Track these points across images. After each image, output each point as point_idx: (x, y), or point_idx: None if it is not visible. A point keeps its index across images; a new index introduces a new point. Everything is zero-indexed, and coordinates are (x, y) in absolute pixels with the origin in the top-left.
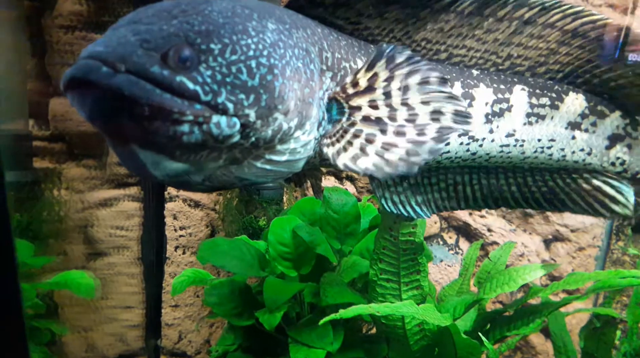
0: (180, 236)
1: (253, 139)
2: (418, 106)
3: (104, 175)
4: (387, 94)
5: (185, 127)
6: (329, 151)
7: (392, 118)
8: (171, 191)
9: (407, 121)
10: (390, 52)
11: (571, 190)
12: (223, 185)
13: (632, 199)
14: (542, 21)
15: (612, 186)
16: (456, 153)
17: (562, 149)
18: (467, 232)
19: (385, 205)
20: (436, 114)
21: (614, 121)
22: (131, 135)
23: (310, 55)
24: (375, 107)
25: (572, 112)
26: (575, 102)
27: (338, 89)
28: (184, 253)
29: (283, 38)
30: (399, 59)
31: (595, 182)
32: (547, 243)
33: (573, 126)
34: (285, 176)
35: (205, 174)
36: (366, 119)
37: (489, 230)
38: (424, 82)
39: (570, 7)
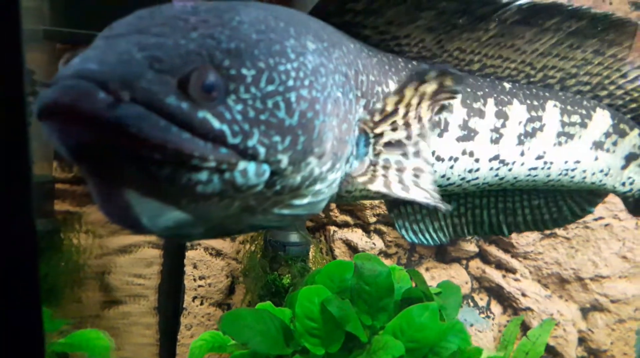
0: (199, 286)
1: (278, 187)
2: (426, 115)
3: None
4: (406, 112)
5: (204, 176)
6: (373, 187)
7: (408, 137)
8: None
9: (419, 135)
10: (423, 70)
11: (575, 203)
12: (228, 233)
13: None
14: (585, 32)
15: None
16: (484, 179)
17: (584, 171)
18: (499, 295)
19: (405, 235)
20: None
21: (632, 139)
22: (129, 181)
23: (350, 81)
24: (395, 129)
25: (598, 131)
26: (602, 119)
27: (367, 118)
28: (201, 303)
29: (324, 62)
30: (431, 74)
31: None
32: (585, 311)
33: (597, 145)
34: (302, 219)
35: (209, 225)
36: (388, 144)
37: (523, 295)
38: (437, 92)
39: (618, 18)
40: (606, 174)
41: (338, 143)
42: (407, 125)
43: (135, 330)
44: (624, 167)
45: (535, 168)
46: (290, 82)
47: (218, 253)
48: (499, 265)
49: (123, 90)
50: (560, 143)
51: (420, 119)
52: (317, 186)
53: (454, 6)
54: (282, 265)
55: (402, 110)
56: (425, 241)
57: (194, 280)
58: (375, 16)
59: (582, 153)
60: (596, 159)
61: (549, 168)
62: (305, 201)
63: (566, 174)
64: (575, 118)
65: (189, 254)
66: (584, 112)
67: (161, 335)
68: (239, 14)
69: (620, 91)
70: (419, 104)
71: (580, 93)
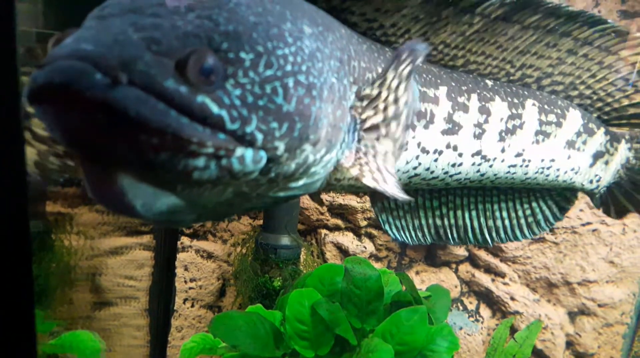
0: (190, 288)
1: (272, 174)
2: (402, 97)
3: (117, 221)
4: (387, 95)
5: (201, 162)
6: (365, 181)
7: (384, 119)
8: (184, 241)
9: (393, 117)
10: (401, 50)
11: (547, 206)
12: (220, 217)
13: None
14: (562, 30)
15: (570, 189)
16: (466, 174)
17: (558, 169)
18: (488, 298)
19: (389, 231)
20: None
21: (599, 138)
22: (125, 166)
23: (344, 66)
24: (376, 114)
25: (571, 130)
26: (574, 119)
27: (358, 104)
28: (192, 306)
29: (320, 46)
30: (404, 55)
31: (565, 192)
32: (572, 316)
33: (570, 144)
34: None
35: (202, 210)
36: (368, 129)
37: (512, 298)
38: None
39: (591, 16)
40: (576, 173)
41: (332, 130)
42: (385, 108)
43: (126, 332)
44: (591, 165)
45: (514, 165)
46: (288, 67)
47: (209, 256)
48: (488, 269)
49: (121, 72)
50: (537, 141)
51: (397, 100)
52: (312, 170)
53: None
54: (273, 268)
55: (384, 93)
56: (406, 239)
57: (185, 282)
58: (363, 2)
59: (557, 152)
60: (569, 157)
61: (527, 166)
62: (300, 183)
63: (542, 173)
64: (552, 117)
65: (180, 256)
66: (559, 111)
67: (152, 337)
68: None
69: (589, 90)
70: (397, 86)
71: (555, 93)
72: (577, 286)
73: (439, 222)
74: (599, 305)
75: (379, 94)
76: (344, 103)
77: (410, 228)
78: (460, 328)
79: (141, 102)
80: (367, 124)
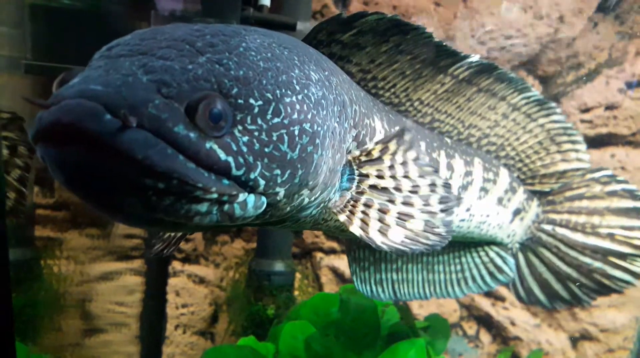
0: (182, 314)
1: (267, 216)
2: (417, 179)
3: (107, 246)
4: (392, 167)
5: (204, 207)
6: (352, 228)
7: (398, 188)
8: (176, 265)
9: (411, 192)
10: (401, 131)
11: (475, 265)
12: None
13: (513, 266)
14: (500, 94)
15: (501, 257)
16: None
17: (489, 224)
18: (488, 323)
19: (355, 281)
20: (433, 186)
21: (519, 195)
22: (128, 209)
23: (346, 109)
24: (381, 177)
25: (502, 188)
26: (504, 177)
27: (357, 153)
28: (184, 332)
29: (326, 93)
30: (406, 136)
31: (491, 254)
32: (574, 341)
33: (499, 201)
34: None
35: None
36: (373, 188)
37: (512, 323)
38: (417, 158)
39: (523, 84)
40: (500, 228)
41: (330, 173)
42: (394, 179)
43: None
44: (511, 221)
45: (463, 219)
46: (295, 116)
47: (201, 280)
48: (488, 293)
49: (131, 114)
50: (480, 197)
51: (410, 178)
52: (304, 210)
53: (424, 53)
54: (266, 295)
55: (387, 161)
56: (366, 292)
57: (176, 308)
58: (360, 52)
59: (491, 208)
60: (498, 213)
61: (471, 220)
62: (289, 222)
63: (478, 227)
64: (491, 175)
65: (172, 281)
66: (495, 170)
67: None
68: (245, 40)
69: (514, 152)
70: (403, 163)
71: (489, 153)
72: (578, 311)
73: (395, 276)
74: (601, 330)
75: (381, 159)
76: (343, 146)
77: (372, 281)
78: (460, 355)
79: (150, 146)
80: (371, 182)
